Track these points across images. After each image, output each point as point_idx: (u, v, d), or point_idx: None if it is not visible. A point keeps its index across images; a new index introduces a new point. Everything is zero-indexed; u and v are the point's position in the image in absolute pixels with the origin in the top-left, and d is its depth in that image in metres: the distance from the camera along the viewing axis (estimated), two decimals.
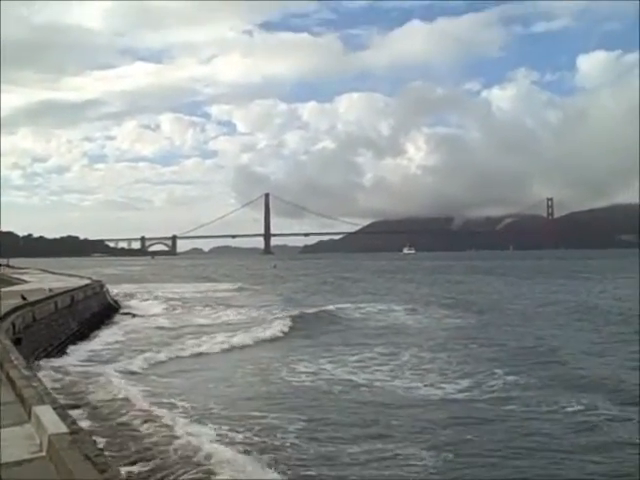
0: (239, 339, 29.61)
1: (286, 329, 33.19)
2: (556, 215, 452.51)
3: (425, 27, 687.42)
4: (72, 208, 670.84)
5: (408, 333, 32.07)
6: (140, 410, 16.05)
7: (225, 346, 27.99)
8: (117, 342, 29.59)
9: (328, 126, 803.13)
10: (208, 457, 12.27)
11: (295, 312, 40.33)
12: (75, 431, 7.83)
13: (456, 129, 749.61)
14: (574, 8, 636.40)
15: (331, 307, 44.38)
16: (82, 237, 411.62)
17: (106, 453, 7.45)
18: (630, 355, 24.23)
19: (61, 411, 9.04)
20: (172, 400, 17.52)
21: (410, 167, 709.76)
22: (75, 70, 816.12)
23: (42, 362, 22.19)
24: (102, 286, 47.32)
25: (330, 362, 23.75)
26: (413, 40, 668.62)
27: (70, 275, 57.79)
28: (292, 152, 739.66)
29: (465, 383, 19.69)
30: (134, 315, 41.24)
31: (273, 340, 30.37)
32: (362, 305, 45.82)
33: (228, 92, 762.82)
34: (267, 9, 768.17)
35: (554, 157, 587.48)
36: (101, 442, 12.18)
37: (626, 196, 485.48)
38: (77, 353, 26.01)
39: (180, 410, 16.43)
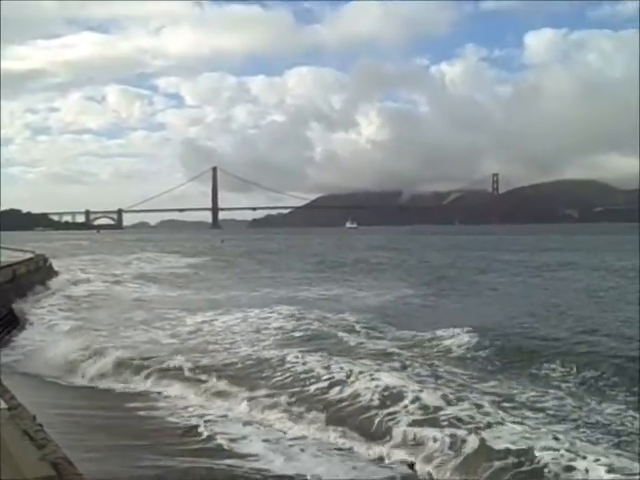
0: None
1: None
2: (502, 190, 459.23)
3: (376, 2, 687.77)
4: (15, 180, 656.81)
5: None
6: None
7: None
8: None
9: (277, 100, 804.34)
10: None
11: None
12: (14, 406, 7.79)
13: (406, 104, 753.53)
14: None
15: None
16: (25, 210, 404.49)
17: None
18: None
19: None
20: None
21: (360, 141, 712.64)
22: (18, 39, 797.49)
23: None
24: (46, 260, 46.75)
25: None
26: (365, 15, 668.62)
27: (13, 249, 56.75)
28: (241, 126, 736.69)
29: None
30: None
31: None
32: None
33: (176, 64, 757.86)
34: None
35: (502, 133, 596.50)
36: None
37: (572, 172, 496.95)
38: None
39: None
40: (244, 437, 12.62)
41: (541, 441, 10.91)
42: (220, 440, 12.45)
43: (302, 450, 11.90)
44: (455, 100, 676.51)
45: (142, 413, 14.72)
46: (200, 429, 13.15)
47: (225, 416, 14.10)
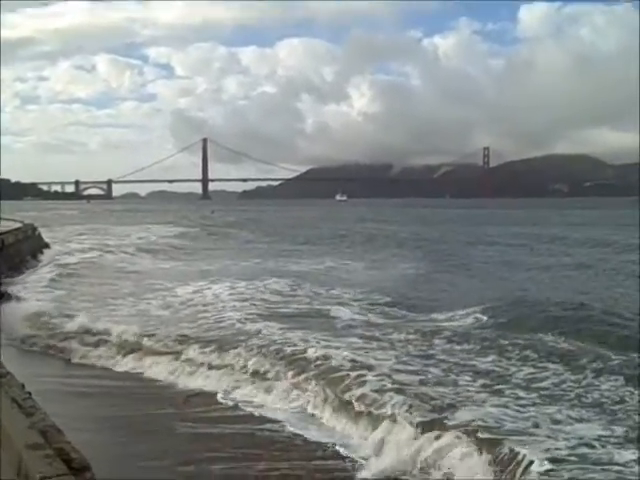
0: None
1: None
2: (493, 164, 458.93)
3: None
4: (4, 150, 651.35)
5: None
6: None
7: None
8: None
9: (268, 71, 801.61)
10: None
11: None
12: (2, 375, 7.72)
13: (398, 77, 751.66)
14: None
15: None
16: (14, 180, 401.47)
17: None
18: None
19: None
20: None
21: (351, 114, 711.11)
22: (7, 6, 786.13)
23: None
24: (34, 229, 46.46)
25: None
26: None
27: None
28: (231, 97, 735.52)
29: None
30: None
31: None
32: None
33: (167, 34, 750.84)
34: None
35: (494, 106, 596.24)
36: None
37: (563, 146, 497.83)
38: None
39: None
40: (265, 405, 12.99)
41: (514, 424, 10.66)
42: (247, 408, 12.87)
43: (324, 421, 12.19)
44: (447, 73, 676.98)
45: (145, 384, 14.75)
46: (219, 397, 13.53)
47: (228, 388, 14.20)
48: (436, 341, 17.00)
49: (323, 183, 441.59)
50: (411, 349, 16.16)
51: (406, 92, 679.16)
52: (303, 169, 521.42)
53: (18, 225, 43.69)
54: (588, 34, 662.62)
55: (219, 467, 10.06)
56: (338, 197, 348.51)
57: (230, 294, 25.09)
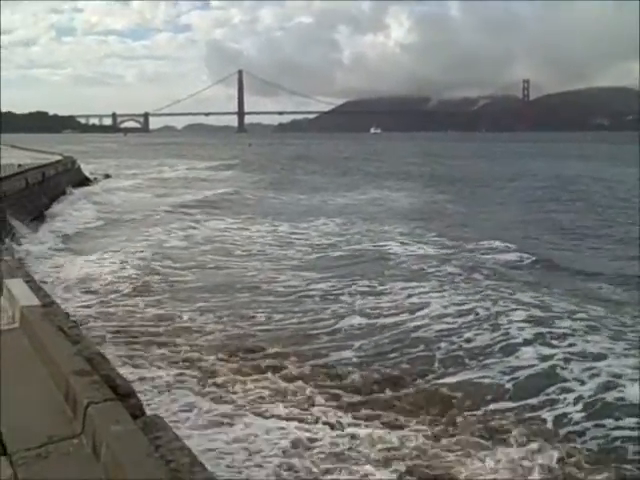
0: None
1: None
2: (532, 97, 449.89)
3: None
4: (40, 83, 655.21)
5: None
6: None
7: None
8: None
9: (305, 1, 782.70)
10: None
11: None
12: (47, 304, 7.83)
13: (437, 6, 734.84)
14: None
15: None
16: (52, 113, 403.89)
17: None
18: None
19: (33, 284, 9.00)
20: None
21: (388, 45, 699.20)
22: None
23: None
24: (74, 162, 46.85)
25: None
26: None
27: (40, 151, 56.80)
28: (267, 28, 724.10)
29: None
30: None
31: None
32: None
33: None
34: None
35: (534, 38, 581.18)
36: None
37: (604, 80, 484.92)
38: None
39: None
40: None
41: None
42: None
43: None
44: (487, 3, 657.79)
45: None
46: None
47: None
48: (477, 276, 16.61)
49: (359, 115, 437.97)
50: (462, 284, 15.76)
51: (445, 23, 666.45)
52: (339, 101, 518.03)
53: (58, 158, 44.09)
54: None
55: None
56: (372, 130, 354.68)
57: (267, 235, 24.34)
